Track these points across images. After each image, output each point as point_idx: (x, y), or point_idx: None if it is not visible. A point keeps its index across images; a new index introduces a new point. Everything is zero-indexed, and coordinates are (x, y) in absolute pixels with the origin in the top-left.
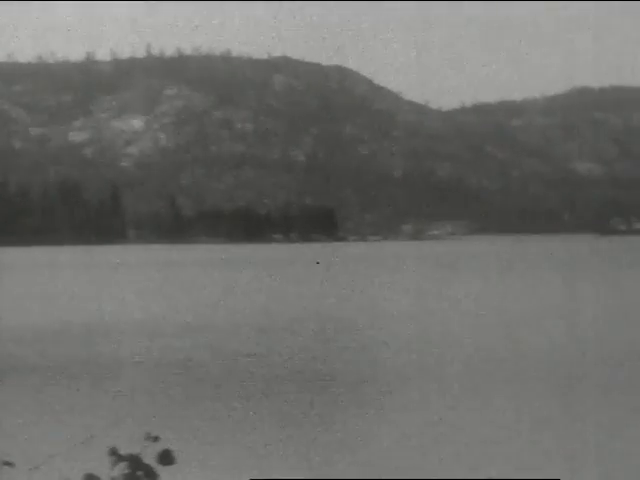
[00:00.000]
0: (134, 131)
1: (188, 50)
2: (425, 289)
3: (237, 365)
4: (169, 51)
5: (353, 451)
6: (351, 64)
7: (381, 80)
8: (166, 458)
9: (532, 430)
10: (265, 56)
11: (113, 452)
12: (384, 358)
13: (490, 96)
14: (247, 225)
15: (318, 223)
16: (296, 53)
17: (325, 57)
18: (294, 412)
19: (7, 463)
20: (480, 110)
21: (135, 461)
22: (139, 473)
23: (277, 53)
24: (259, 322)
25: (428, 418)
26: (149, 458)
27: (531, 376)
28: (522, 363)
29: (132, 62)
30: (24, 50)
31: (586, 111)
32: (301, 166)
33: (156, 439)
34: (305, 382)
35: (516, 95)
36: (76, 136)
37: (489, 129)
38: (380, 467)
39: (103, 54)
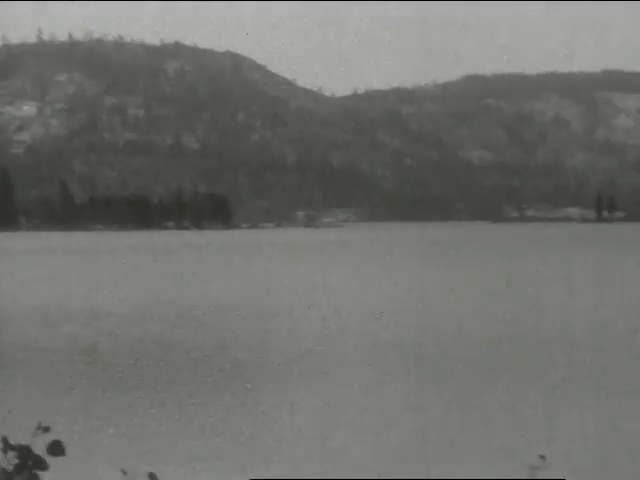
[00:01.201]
0: (25, 117)
1: (80, 36)
2: (311, 276)
3: (143, 351)
4: (60, 37)
5: (250, 438)
6: (244, 51)
7: (275, 67)
8: (55, 449)
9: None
10: (158, 42)
11: (3, 441)
12: (290, 346)
13: (382, 83)
14: (140, 212)
15: (211, 210)
16: (189, 39)
17: (218, 43)
18: (192, 399)
19: None
20: (372, 97)
21: (25, 451)
22: (29, 463)
23: (170, 39)
24: (159, 309)
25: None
26: (41, 448)
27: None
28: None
29: (23, 48)
30: None
31: (478, 98)
32: (194, 153)
33: (47, 429)
34: (208, 369)
35: (408, 82)
36: None
37: (381, 116)
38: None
39: None
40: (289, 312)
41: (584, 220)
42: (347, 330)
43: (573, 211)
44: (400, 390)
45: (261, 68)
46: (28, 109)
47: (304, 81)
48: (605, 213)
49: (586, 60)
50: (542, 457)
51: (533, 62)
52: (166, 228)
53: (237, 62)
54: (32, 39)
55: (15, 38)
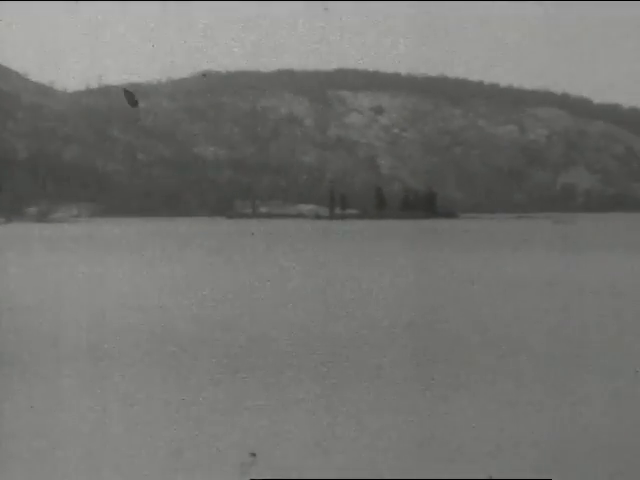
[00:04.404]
0: None
1: None
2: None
3: None
4: None
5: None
6: None
7: (4, 59)
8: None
9: None
10: None
11: None
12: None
13: (115, 78)
14: None
15: None
16: None
17: None
18: None
19: None
20: (105, 92)
21: None
22: None
23: None
24: None
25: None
26: None
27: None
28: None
29: None
30: None
31: (212, 95)
32: None
33: None
34: None
35: (141, 78)
36: None
37: (114, 111)
38: None
39: None
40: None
41: (317, 217)
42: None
43: (306, 208)
44: None
45: None
46: None
47: (36, 75)
48: (338, 210)
49: (320, 58)
50: (253, 454)
51: (267, 59)
52: None
53: None
54: None
55: None
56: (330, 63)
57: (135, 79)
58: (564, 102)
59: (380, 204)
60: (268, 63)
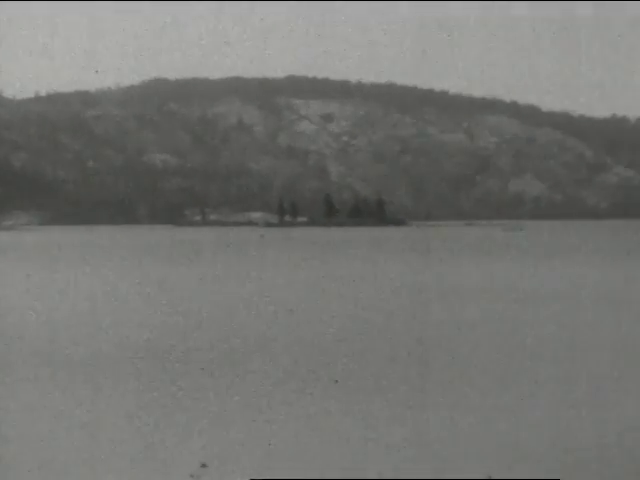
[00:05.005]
0: None
1: None
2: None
3: None
4: None
5: None
6: None
7: None
8: None
9: None
10: None
11: None
12: None
13: (65, 86)
14: None
15: None
16: None
17: None
18: None
19: None
20: (55, 100)
21: None
22: None
23: None
24: None
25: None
26: None
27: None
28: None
29: None
30: None
31: (161, 102)
32: None
33: None
34: None
35: (91, 85)
36: None
37: (64, 119)
38: None
39: None
40: None
41: (267, 224)
42: None
43: (256, 215)
44: None
45: None
46: None
47: None
48: (288, 217)
49: (270, 66)
50: (204, 465)
51: (216, 66)
52: None
53: None
54: None
55: None
56: (280, 70)
57: (85, 86)
58: (513, 110)
59: (330, 212)
60: (217, 70)
